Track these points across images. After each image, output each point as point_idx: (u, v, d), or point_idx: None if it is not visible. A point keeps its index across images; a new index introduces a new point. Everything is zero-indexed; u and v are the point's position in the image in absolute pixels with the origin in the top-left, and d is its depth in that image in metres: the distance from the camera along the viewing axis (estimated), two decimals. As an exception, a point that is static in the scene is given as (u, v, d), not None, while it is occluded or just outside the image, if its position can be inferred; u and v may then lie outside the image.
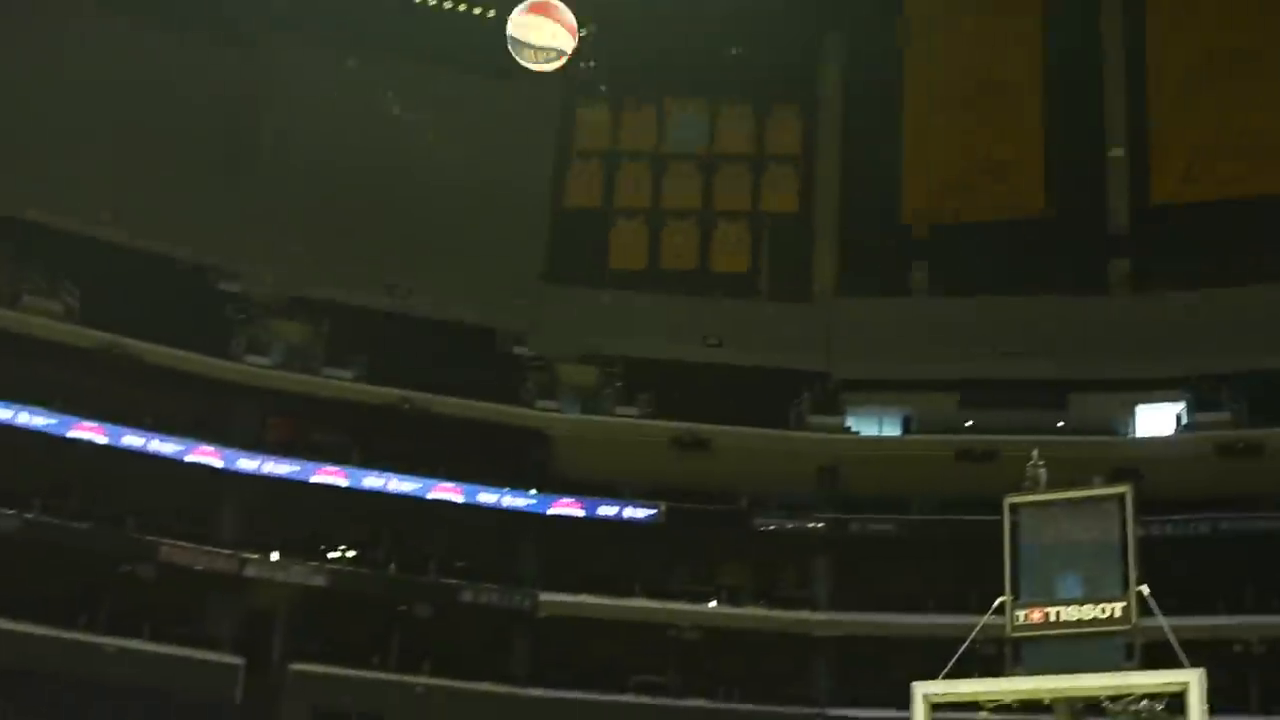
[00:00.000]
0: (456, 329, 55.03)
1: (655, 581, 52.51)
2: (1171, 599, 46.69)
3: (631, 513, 52.51)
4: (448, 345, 54.19)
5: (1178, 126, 55.74)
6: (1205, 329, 53.10)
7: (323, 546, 51.35)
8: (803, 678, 52.12)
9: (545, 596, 51.24)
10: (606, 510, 52.49)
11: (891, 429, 54.74)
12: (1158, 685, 15.70)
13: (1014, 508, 18.33)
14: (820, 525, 52.77)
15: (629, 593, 51.68)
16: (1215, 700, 45.48)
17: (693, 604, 51.95)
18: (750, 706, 50.55)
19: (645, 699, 50.52)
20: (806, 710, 50.65)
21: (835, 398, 55.07)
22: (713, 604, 52.13)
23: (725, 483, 53.15)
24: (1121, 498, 16.97)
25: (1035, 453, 19.66)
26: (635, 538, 52.29)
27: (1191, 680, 14.89)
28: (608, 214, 58.17)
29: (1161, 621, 15.27)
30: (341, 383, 52.10)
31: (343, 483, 50.97)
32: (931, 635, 40.95)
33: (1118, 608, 16.13)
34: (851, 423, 54.59)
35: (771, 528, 53.04)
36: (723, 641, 51.60)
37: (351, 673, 49.25)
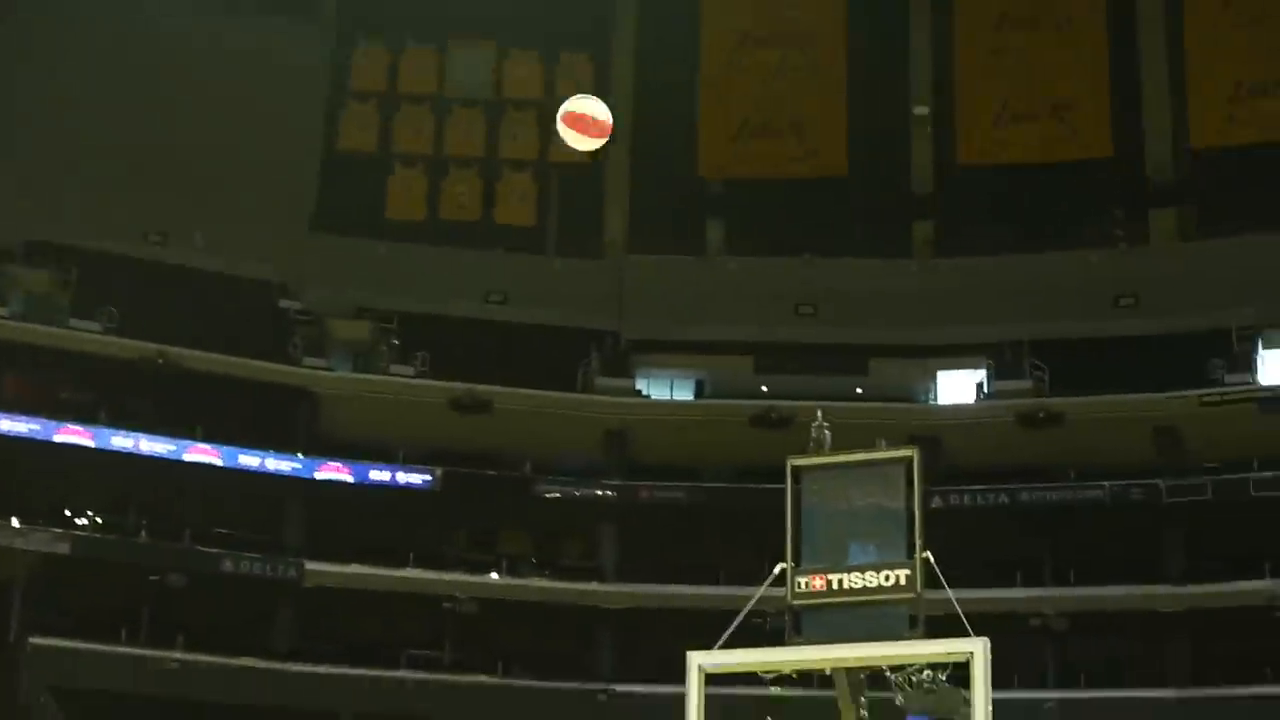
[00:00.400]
0: (217, 279, 52.62)
1: (431, 551, 51.34)
2: (968, 571, 47.39)
3: (406, 478, 51.34)
4: (207, 297, 51.96)
5: (984, 87, 55.40)
6: (1009, 295, 53.19)
7: (67, 511, 49.23)
8: (588, 652, 51.53)
9: (312, 566, 49.88)
10: (379, 475, 51.22)
11: (683, 393, 54.21)
12: (941, 655, 15.06)
13: (796, 470, 17.47)
14: (607, 492, 52.15)
15: (402, 562, 50.47)
16: (1012, 675, 46.30)
17: (471, 574, 50.99)
18: (532, 683, 49.90)
19: (420, 674, 49.63)
20: (591, 686, 50.13)
21: (625, 359, 54.37)
22: (493, 575, 51.33)
23: (507, 447, 52.09)
24: (908, 461, 16.09)
25: (819, 412, 18.82)
26: (410, 504, 51.04)
27: (976, 650, 14.18)
28: (385, 160, 56.11)
29: (947, 591, 14.50)
30: (89, 335, 49.78)
31: (89, 443, 48.86)
32: (723, 608, 40.17)
33: (902, 575, 15.37)
34: (641, 386, 53.92)
35: (556, 495, 52.23)
36: (503, 614, 50.64)
37: (97, 647, 47.13)
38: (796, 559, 17.50)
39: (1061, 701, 48.19)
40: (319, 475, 50.90)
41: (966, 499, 50.05)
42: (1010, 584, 49.15)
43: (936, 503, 48.61)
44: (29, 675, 46.23)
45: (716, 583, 48.70)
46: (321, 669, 48.87)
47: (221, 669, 47.95)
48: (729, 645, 18.18)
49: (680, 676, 17.38)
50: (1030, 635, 48.91)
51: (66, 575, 47.80)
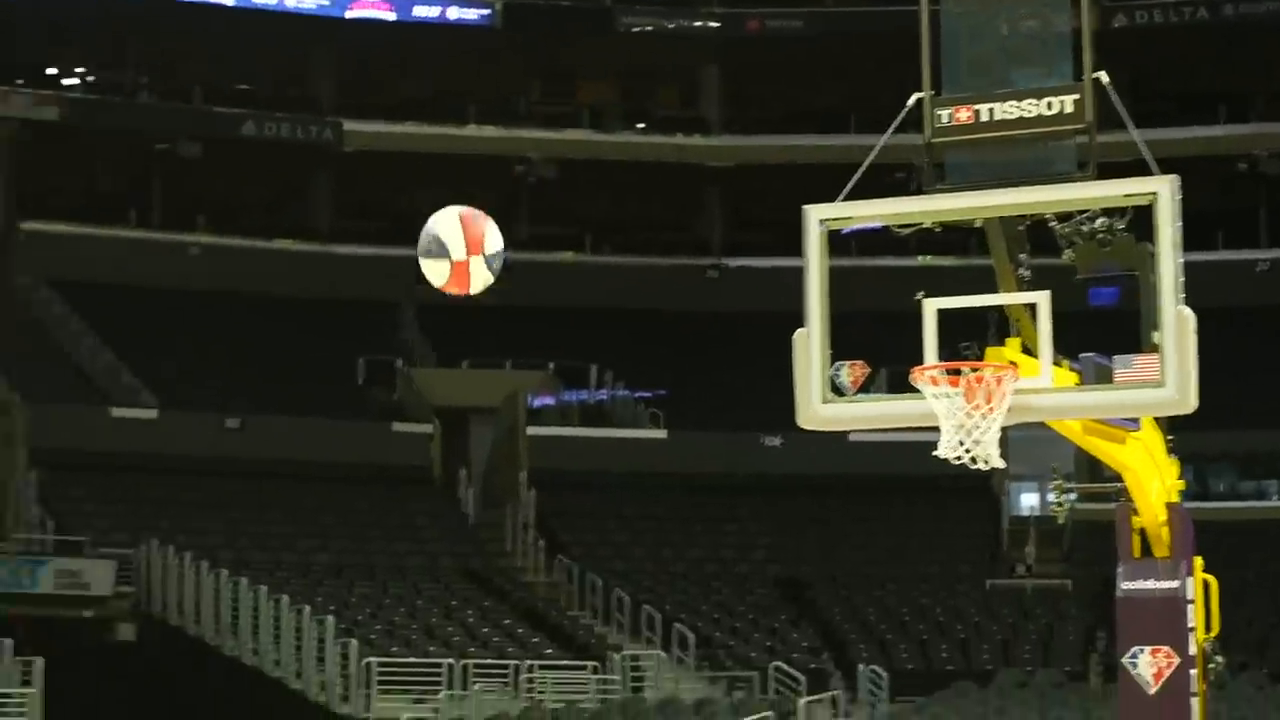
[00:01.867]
0: None
1: (495, 104, 51.27)
2: (1159, 105, 46.64)
3: (459, 14, 50.54)
4: None
5: None
6: None
7: (50, 70, 49.01)
8: (692, 221, 52.39)
9: (351, 126, 49.60)
10: (425, 11, 50.45)
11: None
12: (1118, 198, 14.48)
13: (936, -25, 16.92)
14: (709, 24, 51.61)
15: (460, 118, 50.32)
16: (1215, 233, 45.96)
17: (546, 130, 50.87)
18: (624, 259, 51.36)
19: (491, 252, 49.60)
20: (697, 261, 51.56)
21: None
22: (573, 130, 51.39)
23: (581, -31, 49.53)
24: (1078, -49, 15.50)
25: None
26: (466, 46, 50.33)
27: (1162, 190, 13.56)
28: None
29: (1129, 126, 14.06)
30: None
31: (70, -16, 45.86)
32: (855, 160, 40.08)
33: (1069, 101, 14.54)
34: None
35: (646, 28, 51.55)
36: (587, 178, 50.46)
37: (100, 232, 47.72)
38: (936, 88, 17.02)
39: (1276, 262, 48.57)
40: (352, 13, 50.08)
41: (1156, 15, 49.36)
42: (1211, 120, 49.03)
43: (1119, 20, 47.91)
44: (22, 267, 46.91)
45: (846, 130, 48.17)
46: (370, 250, 48.95)
47: (251, 253, 48.91)
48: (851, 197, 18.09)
49: (800, 247, 17.28)
50: (1236, 180, 48.47)
51: (58, 147, 47.52)
